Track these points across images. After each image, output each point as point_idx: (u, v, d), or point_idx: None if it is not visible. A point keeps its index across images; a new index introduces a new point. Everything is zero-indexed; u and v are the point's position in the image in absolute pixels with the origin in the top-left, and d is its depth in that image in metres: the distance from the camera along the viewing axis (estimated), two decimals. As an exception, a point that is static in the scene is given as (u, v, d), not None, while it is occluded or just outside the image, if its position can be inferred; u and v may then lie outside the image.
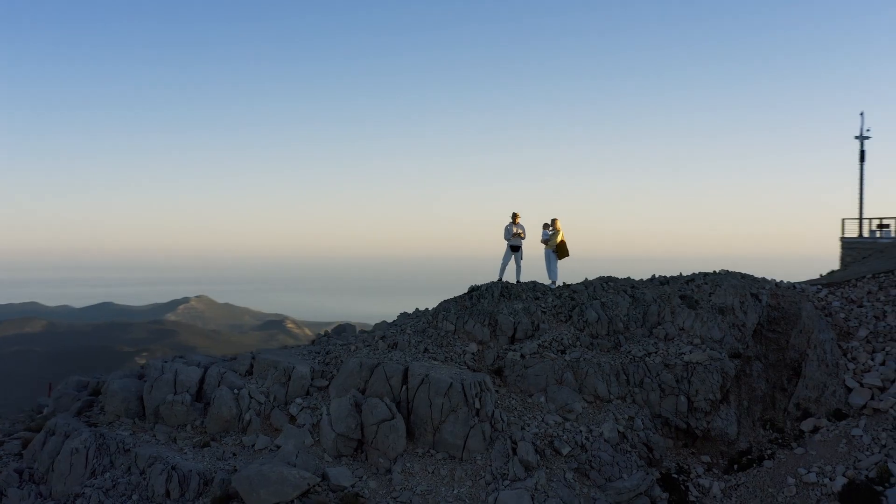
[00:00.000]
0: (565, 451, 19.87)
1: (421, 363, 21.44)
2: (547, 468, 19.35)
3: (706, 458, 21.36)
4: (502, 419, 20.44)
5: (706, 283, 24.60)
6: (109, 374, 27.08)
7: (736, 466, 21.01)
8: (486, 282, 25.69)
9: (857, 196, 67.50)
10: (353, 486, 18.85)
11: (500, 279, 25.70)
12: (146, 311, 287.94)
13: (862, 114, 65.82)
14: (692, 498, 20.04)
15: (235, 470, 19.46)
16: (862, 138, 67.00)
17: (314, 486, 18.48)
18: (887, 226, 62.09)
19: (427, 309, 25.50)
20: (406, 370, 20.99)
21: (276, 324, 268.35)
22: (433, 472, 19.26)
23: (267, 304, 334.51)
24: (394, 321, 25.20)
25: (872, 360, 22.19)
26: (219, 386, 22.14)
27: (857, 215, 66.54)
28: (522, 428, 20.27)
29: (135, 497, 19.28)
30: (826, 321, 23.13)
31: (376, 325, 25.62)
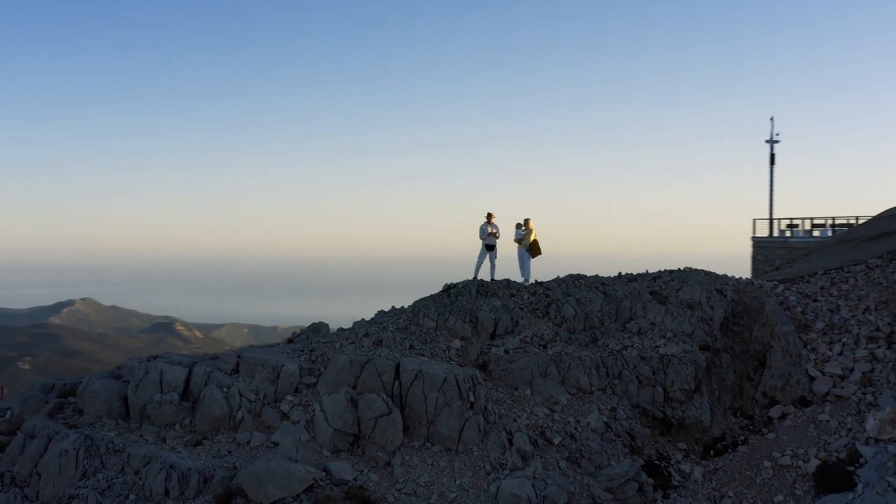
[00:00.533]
0: (556, 440, 20.66)
1: (411, 359, 21.92)
2: (541, 457, 20.09)
3: (682, 446, 22.46)
4: (494, 412, 21.10)
5: (673, 280, 25.79)
6: (75, 377, 26.68)
7: (712, 452, 22.17)
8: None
9: (768, 197, 70.79)
10: (355, 479, 19.22)
11: (475, 277, 26.37)
12: (28, 315, 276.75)
13: (772, 118, 69.07)
14: (675, 482, 21.09)
15: (235, 467, 19.57)
16: (772, 142, 70.32)
17: (319, 480, 18.80)
18: (796, 225, 65.31)
19: (403, 307, 25.96)
20: (398, 366, 21.44)
21: (165, 326, 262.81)
22: (432, 464, 19.77)
23: (155, 305, 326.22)
24: (372, 319, 25.54)
25: (830, 350, 23.71)
26: (206, 385, 22.12)
27: (767, 216, 69.82)
28: (514, 420, 20.96)
29: (132, 497, 19.18)
30: (786, 315, 24.59)
31: (355, 322, 25.92)
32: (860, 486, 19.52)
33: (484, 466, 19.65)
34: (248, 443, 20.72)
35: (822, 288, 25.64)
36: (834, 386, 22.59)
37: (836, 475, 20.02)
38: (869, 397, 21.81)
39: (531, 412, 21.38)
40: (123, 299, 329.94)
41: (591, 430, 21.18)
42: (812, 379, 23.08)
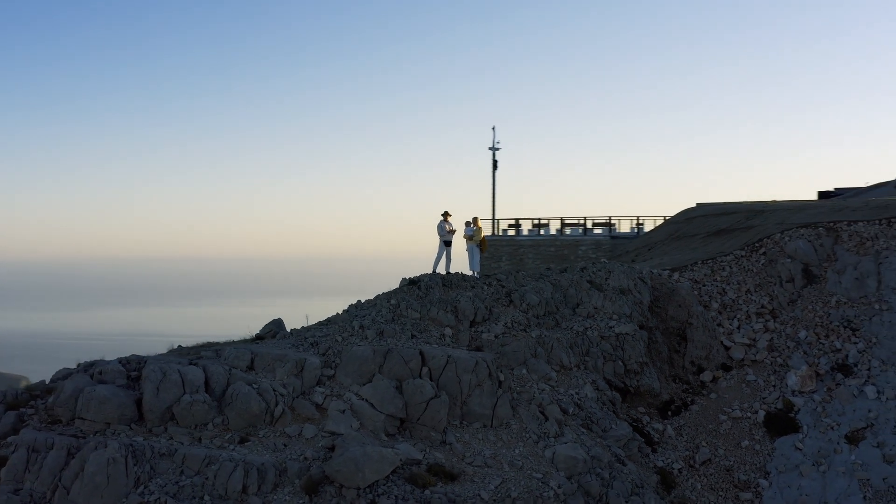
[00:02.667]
0: (570, 410, 23.35)
1: (431, 347, 23.40)
2: (566, 425, 22.68)
3: (642, 409, 26.13)
4: (515, 388, 23.30)
5: (600, 271, 29.41)
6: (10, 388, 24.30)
7: (669, 413, 26.11)
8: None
9: (490, 200, 77.88)
10: (423, 457, 20.47)
11: (434, 271, 28.04)
12: None
13: (494, 128, 75.95)
14: (656, 439, 24.70)
15: (306, 458, 19.92)
16: (494, 149, 77.51)
17: (402, 461, 19.86)
18: (519, 225, 72.80)
19: (360, 301, 26.98)
20: (421, 353, 22.83)
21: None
22: (483, 439, 21.56)
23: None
24: (351, 312, 26.16)
25: (731, 325, 28.77)
26: (230, 383, 21.83)
27: (490, 216, 76.91)
28: (533, 395, 23.30)
29: (206, 498, 18.87)
30: (694, 296, 29.33)
31: (330, 317, 26.44)
32: (804, 427, 24.47)
33: (530, 436, 21.81)
34: (299, 434, 20.96)
35: (706, 275, 30.74)
36: (747, 353, 27.60)
37: (782, 421, 24.85)
38: (779, 360, 27.05)
39: (538, 388, 23.81)
40: None
41: (589, 399, 24.13)
42: (727, 348, 27.95)
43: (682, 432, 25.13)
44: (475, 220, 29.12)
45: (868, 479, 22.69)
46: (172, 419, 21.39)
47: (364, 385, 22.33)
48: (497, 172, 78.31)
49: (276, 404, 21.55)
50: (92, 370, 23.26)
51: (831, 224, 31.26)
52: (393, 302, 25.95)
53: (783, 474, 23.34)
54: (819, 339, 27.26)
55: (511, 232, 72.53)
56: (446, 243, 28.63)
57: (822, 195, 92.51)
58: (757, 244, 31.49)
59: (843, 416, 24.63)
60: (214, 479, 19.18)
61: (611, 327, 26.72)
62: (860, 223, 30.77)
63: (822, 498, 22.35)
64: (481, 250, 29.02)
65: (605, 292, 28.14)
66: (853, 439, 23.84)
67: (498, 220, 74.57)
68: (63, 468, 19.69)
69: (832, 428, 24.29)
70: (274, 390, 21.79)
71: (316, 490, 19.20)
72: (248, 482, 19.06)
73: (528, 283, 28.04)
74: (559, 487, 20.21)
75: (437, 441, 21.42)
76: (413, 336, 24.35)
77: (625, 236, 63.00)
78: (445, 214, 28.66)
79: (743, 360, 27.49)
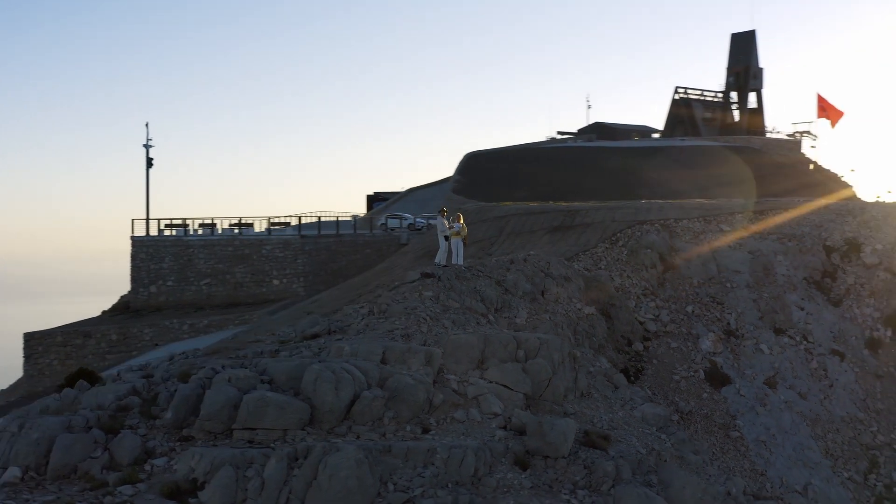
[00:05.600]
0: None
1: (522, 333, 25.73)
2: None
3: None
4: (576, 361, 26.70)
5: (541, 261, 33.20)
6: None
7: (631, 378, 31.20)
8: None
9: (145, 198, 76.08)
10: (570, 427, 23.16)
11: (438, 264, 29.58)
12: None
13: (147, 124, 74.15)
14: (644, 400, 29.73)
15: (502, 439, 21.43)
16: (147, 146, 75.75)
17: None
18: (186, 225, 72.08)
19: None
20: (515, 338, 25.09)
21: None
22: (591, 406, 24.77)
23: None
24: (391, 311, 26.65)
25: (630, 303, 34.74)
26: (386, 377, 22.07)
27: (144, 216, 75.07)
28: (590, 368, 26.87)
29: (450, 486, 19.75)
30: (609, 280, 34.69)
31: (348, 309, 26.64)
32: (736, 379, 31.48)
33: (616, 402, 25.51)
34: (467, 419, 22.10)
35: (592, 264, 36.26)
36: (657, 326, 33.83)
37: (718, 376, 31.54)
38: (683, 329, 33.73)
39: (580, 362, 27.42)
40: None
41: (607, 370, 28.41)
42: (642, 323, 33.87)
43: (656, 392, 30.51)
44: (458, 216, 31.29)
45: (801, 412, 30.37)
46: (347, 418, 21.08)
47: (486, 369, 24.03)
48: (152, 171, 75.40)
49: (434, 393, 22.37)
50: (194, 378, 21.56)
51: (663, 221, 39.08)
52: (430, 294, 27.36)
53: (744, 415, 30.00)
54: (702, 311, 34.60)
55: (168, 232, 70.35)
56: (445, 238, 30.41)
57: (373, 197, 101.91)
58: (613, 237, 38.08)
59: (753, 368, 32.13)
60: (445, 468, 19.89)
61: (580, 309, 31.11)
62: (685, 220, 39.04)
63: (783, 428, 29.47)
64: (465, 244, 31.30)
65: (556, 280, 32.35)
66: (770, 385, 31.40)
67: (157, 219, 71.51)
68: (287, 480, 18.72)
69: (752, 378, 31.61)
70: (424, 380, 22.54)
71: (527, 465, 20.95)
72: (478, 465, 20.17)
73: (504, 274, 31.10)
74: (668, 439, 24.44)
75: (560, 412, 24.10)
76: (478, 323, 26.32)
77: (314, 235, 64.51)
78: (443, 211, 30.44)
79: (657, 332, 33.73)
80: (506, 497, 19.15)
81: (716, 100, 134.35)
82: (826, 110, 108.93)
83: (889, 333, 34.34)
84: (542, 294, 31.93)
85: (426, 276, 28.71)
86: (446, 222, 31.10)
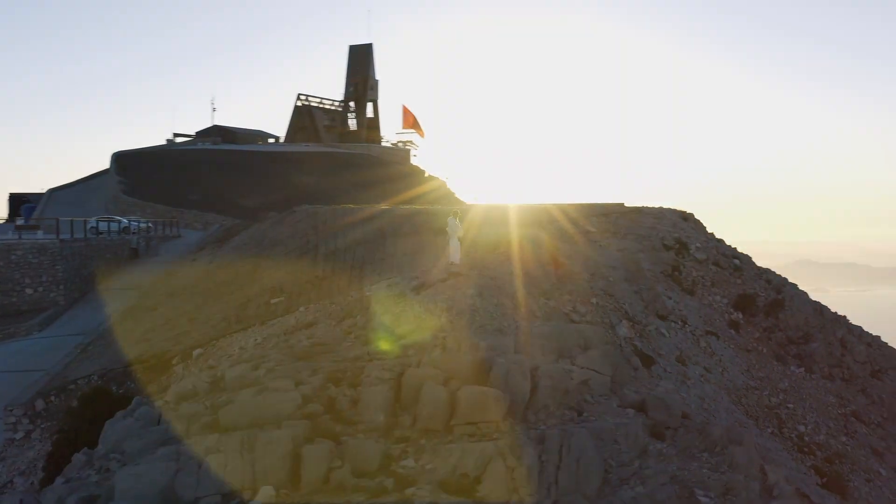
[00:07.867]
0: (618, 362, 31.21)
1: (572, 325, 28.32)
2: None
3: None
4: (603, 350, 30.03)
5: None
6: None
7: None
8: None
9: None
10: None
11: (451, 262, 30.53)
12: None
13: None
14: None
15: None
16: None
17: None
18: None
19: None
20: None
21: None
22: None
23: None
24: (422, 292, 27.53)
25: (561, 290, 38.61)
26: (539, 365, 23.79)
27: None
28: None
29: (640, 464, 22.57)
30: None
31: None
32: (658, 360, 36.92)
33: (651, 378, 29.43)
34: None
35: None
36: (578, 317, 38.04)
37: (646, 358, 36.68)
38: (598, 318, 38.34)
39: (591, 350, 30.83)
40: None
41: (600, 355, 32.15)
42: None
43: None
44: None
45: (716, 383, 36.42)
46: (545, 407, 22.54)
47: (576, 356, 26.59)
48: None
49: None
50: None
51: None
52: (473, 292, 28.91)
53: (678, 390, 35.32)
54: (604, 302, 39.55)
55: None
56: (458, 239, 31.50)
57: (15, 197, 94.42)
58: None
59: (663, 349, 37.63)
60: (610, 448, 22.47)
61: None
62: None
63: (714, 397, 35.28)
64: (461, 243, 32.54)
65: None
66: (682, 362, 37.05)
67: None
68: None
69: (668, 358, 37.06)
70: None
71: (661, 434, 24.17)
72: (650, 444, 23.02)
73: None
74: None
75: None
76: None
77: (70, 239, 58.62)
78: (455, 214, 31.56)
79: (580, 322, 37.94)
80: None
81: (336, 108, 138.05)
82: (410, 122, 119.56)
83: (741, 315, 42.18)
84: (514, 290, 34.72)
85: (454, 275, 30.15)
86: (458, 224, 32.43)
